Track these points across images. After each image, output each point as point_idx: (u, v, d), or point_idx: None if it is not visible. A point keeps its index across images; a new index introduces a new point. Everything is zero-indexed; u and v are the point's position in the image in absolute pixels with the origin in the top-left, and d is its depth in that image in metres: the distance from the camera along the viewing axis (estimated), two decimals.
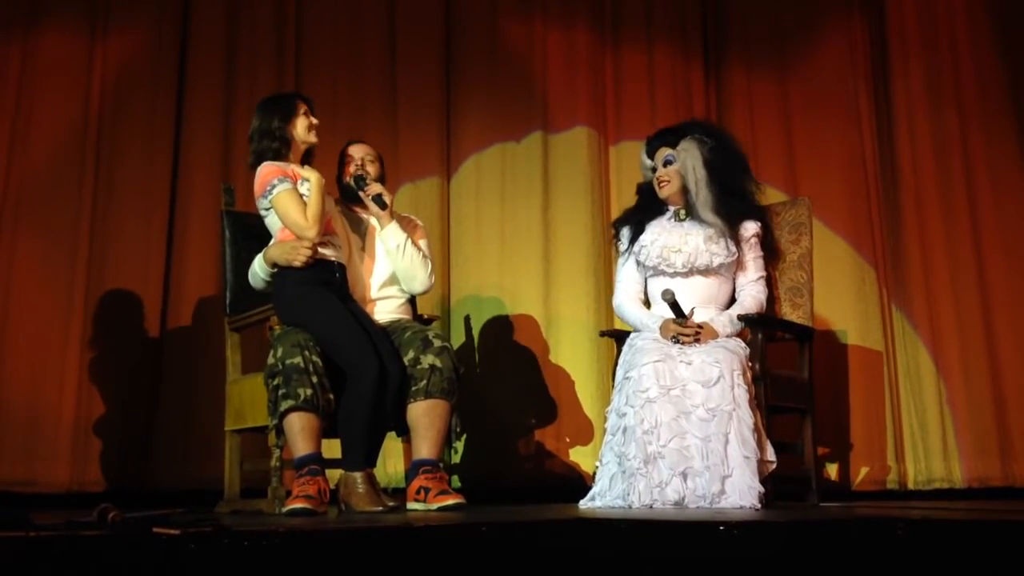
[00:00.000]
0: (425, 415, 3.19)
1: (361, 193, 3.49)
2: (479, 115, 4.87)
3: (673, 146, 3.52)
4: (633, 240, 3.55)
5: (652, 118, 4.79)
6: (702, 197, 3.43)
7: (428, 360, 3.21)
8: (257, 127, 3.34)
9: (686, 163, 3.47)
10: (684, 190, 3.49)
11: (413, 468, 3.17)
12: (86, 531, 1.77)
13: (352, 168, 3.57)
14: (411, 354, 3.24)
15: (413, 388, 3.20)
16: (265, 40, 4.70)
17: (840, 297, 4.73)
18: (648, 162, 3.64)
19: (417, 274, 3.53)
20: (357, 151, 3.62)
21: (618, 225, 3.68)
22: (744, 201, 3.51)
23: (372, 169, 3.60)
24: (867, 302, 4.76)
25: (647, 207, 3.61)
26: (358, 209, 3.62)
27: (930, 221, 4.73)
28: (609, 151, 4.94)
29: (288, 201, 3.19)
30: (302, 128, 3.35)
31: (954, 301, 4.63)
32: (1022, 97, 4.79)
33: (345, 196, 3.63)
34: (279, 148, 3.31)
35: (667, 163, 3.53)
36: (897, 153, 4.84)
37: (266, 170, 3.25)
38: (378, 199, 3.46)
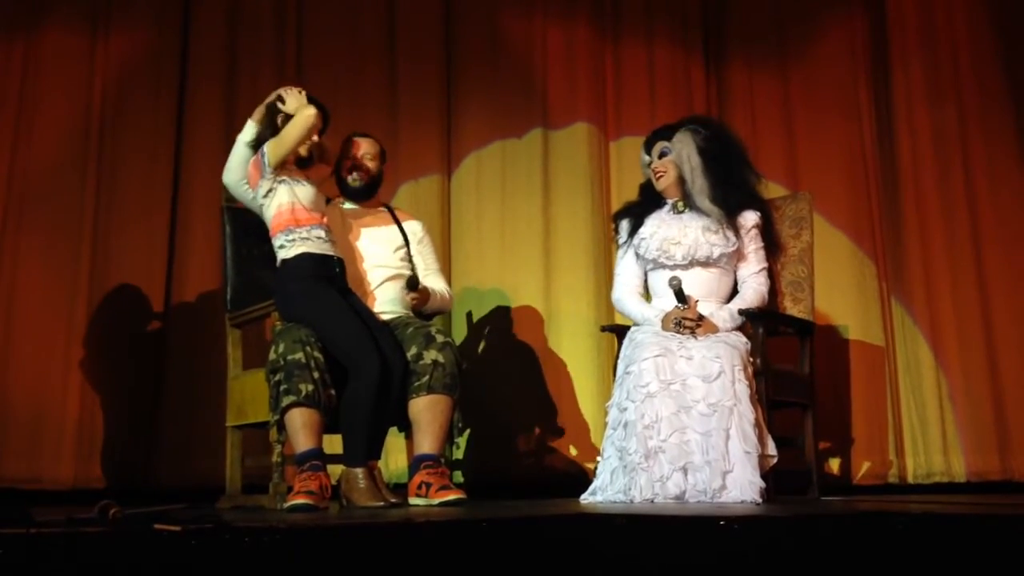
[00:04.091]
0: (427, 410, 3.19)
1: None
2: (479, 112, 4.87)
3: (670, 140, 3.52)
4: (632, 233, 3.55)
5: (652, 114, 4.79)
6: (698, 185, 3.43)
7: (430, 356, 3.21)
8: (272, 105, 3.38)
9: (680, 152, 3.47)
10: (681, 181, 3.49)
11: (415, 463, 3.18)
12: (87, 528, 1.77)
13: (349, 163, 3.60)
14: (413, 350, 3.24)
15: (415, 384, 3.20)
16: (266, 37, 4.70)
17: (841, 291, 4.73)
18: (647, 158, 3.64)
19: (445, 307, 3.81)
20: (362, 145, 3.64)
21: (617, 218, 3.68)
22: (743, 191, 3.49)
23: (372, 166, 3.63)
24: (867, 296, 4.76)
25: (647, 202, 3.62)
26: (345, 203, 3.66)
27: (930, 216, 4.73)
28: (609, 147, 4.93)
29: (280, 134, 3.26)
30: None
31: (953, 295, 4.63)
32: (1021, 92, 4.78)
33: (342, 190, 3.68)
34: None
35: (663, 155, 3.54)
36: (897, 148, 4.83)
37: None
38: (412, 283, 3.49)
